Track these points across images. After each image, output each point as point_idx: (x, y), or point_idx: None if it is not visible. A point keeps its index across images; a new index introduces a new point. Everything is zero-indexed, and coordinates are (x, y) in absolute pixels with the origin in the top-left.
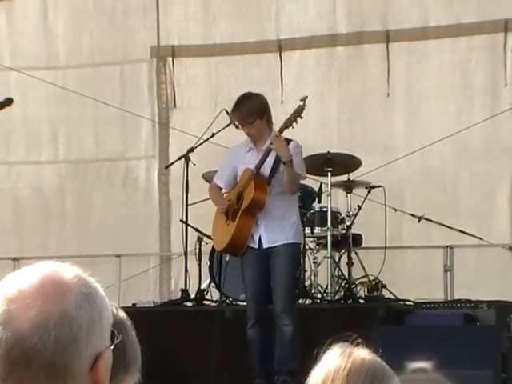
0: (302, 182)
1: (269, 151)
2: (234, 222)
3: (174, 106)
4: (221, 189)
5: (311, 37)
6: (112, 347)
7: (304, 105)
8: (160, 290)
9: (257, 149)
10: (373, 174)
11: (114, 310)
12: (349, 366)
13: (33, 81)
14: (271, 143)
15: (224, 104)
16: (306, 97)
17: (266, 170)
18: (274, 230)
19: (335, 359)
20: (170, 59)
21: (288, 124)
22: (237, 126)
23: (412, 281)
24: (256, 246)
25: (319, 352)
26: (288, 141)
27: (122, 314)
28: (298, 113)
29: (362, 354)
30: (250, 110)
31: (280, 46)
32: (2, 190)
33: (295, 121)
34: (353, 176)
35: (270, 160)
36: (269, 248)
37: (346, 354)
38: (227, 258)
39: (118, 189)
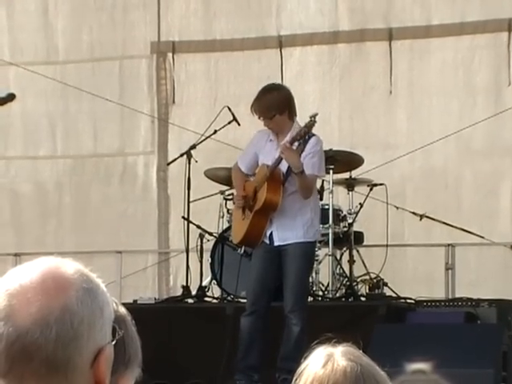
0: None
1: (281, 159)
2: (248, 219)
3: (174, 101)
4: (243, 172)
5: (312, 33)
6: (113, 342)
7: (314, 121)
8: (158, 287)
9: (278, 141)
10: (374, 172)
11: (114, 305)
12: (332, 381)
13: (32, 75)
14: (282, 152)
15: (224, 100)
16: (317, 114)
17: (284, 166)
18: (286, 229)
19: (319, 370)
20: (170, 55)
21: (298, 137)
22: (259, 117)
23: (413, 279)
24: (267, 242)
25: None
26: (309, 136)
27: (122, 310)
28: (308, 128)
29: (346, 362)
30: (270, 106)
31: (281, 43)
32: None
33: (305, 136)
34: (354, 174)
35: None
36: (280, 246)
37: (329, 364)
38: (241, 251)
39: (116, 185)
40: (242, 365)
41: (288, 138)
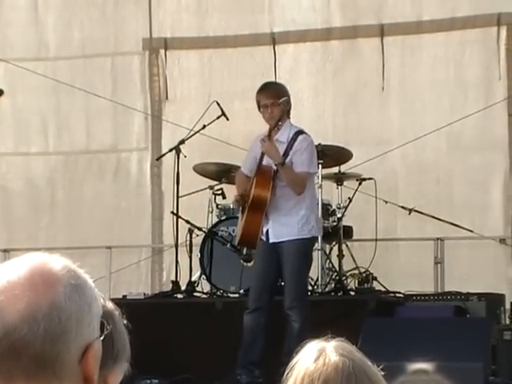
0: None
1: (262, 158)
2: (244, 218)
3: (167, 98)
4: (247, 176)
5: (305, 30)
6: (102, 338)
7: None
8: (151, 282)
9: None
10: (367, 167)
11: (102, 300)
12: (323, 376)
13: (22, 72)
14: (261, 147)
15: (217, 96)
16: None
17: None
18: (280, 226)
19: (310, 364)
20: (162, 51)
21: (274, 125)
22: (259, 108)
23: (405, 273)
24: (264, 239)
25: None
26: (298, 133)
27: (110, 305)
28: (282, 113)
29: (338, 357)
30: (280, 91)
31: (274, 39)
32: None
33: (280, 121)
34: (346, 168)
35: (281, 151)
36: (275, 243)
37: (320, 359)
38: (244, 252)
39: (109, 181)
40: (244, 360)
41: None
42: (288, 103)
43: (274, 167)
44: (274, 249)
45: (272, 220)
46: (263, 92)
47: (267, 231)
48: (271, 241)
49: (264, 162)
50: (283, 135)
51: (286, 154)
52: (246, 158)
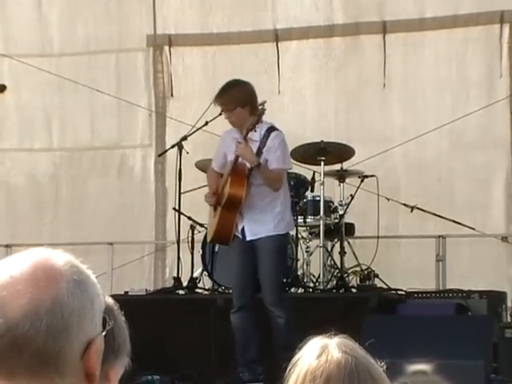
0: (294, 170)
1: (237, 157)
2: (217, 216)
3: (171, 95)
4: (218, 173)
5: (308, 27)
6: (103, 333)
7: (263, 109)
8: (154, 278)
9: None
10: (369, 164)
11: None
12: (326, 373)
13: (27, 68)
14: (236, 150)
15: None
16: (265, 101)
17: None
18: (256, 223)
19: (312, 361)
20: (166, 48)
21: (250, 127)
22: (222, 110)
23: (407, 271)
24: (240, 236)
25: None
26: (270, 130)
27: (109, 300)
28: (258, 116)
29: (340, 354)
30: (232, 97)
31: (277, 36)
32: None
33: (255, 124)
34: (348, 165)
35: (254, 149)
36: (251, 240)
37: (323, 356)
38: (216, 248)
39: (113, 177)
40: (244, 359)
41: (244, 133)
42: (244, 105)
43: (249, 166)
44: (250, 246)
45: (247, 218)
46: (217, 98)
47: (243, 229)
48: (248, 238)
49: (239, 160)
50: (256, 133)
51: (259, 151)
52: (215, 155)
